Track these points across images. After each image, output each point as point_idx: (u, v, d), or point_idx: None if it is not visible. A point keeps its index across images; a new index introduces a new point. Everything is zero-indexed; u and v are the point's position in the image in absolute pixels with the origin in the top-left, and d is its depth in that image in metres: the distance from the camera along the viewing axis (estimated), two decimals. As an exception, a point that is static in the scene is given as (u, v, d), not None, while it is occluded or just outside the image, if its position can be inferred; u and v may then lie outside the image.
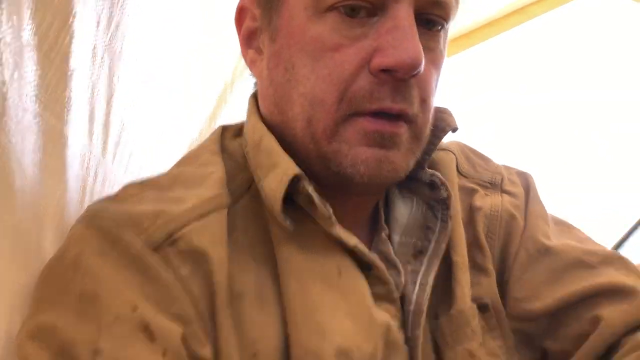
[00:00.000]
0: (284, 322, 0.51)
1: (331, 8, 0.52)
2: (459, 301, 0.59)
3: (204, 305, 0.48)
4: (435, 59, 0.56)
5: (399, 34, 0.51)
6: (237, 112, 0.67)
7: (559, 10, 1.84)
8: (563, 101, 2.03)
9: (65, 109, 0.58)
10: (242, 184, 0.56)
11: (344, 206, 0.57)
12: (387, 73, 0.51)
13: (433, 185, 0.60)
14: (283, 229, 0.53)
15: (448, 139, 0.65)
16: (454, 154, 0.69)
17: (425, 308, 0.57)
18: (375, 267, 0.56)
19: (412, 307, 0.57)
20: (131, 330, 0.45)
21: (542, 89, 2.02)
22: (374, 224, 0.62)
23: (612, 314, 0.59)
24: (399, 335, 0.56)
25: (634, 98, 2.04)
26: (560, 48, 1.92)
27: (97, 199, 0.58)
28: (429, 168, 0.61)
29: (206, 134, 0.66)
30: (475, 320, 0.60)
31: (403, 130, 0.53)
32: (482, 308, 0.61)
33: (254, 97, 0.61)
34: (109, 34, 0.65)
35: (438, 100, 0.59)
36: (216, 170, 0.55)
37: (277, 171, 0.53)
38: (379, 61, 0.51)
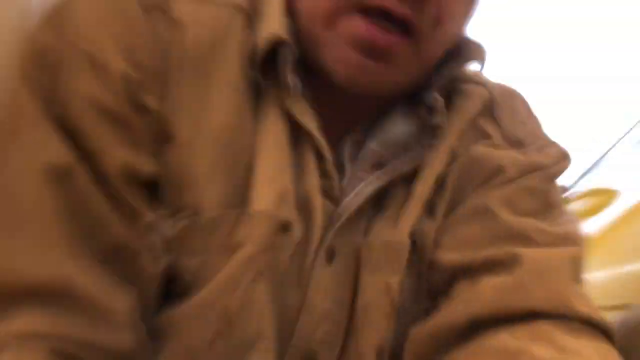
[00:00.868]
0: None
1: None
2: (399, 232, 0.54)
3: (169, 68, 0.49)
4: None
5: None
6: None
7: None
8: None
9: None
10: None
11: (329, 108, 0.54)
12: None
13: (432, 110, 0.55)
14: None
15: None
16: (492, 94, 0.61)
17: (345, 217, 0.54)
18: (324, 157, 0.53)
19: (337, 210, 0.54)
20: (83, 59, 0.47)
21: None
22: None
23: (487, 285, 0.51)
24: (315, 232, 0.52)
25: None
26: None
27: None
28: (447, 96, 0.57)
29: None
30: (404, 257, 0.54)
31: (400, 45, 0.49)
32: (415, 247, 0.55)
33: None
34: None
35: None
36: None
37: (271, 24, 0.51)
38: None
